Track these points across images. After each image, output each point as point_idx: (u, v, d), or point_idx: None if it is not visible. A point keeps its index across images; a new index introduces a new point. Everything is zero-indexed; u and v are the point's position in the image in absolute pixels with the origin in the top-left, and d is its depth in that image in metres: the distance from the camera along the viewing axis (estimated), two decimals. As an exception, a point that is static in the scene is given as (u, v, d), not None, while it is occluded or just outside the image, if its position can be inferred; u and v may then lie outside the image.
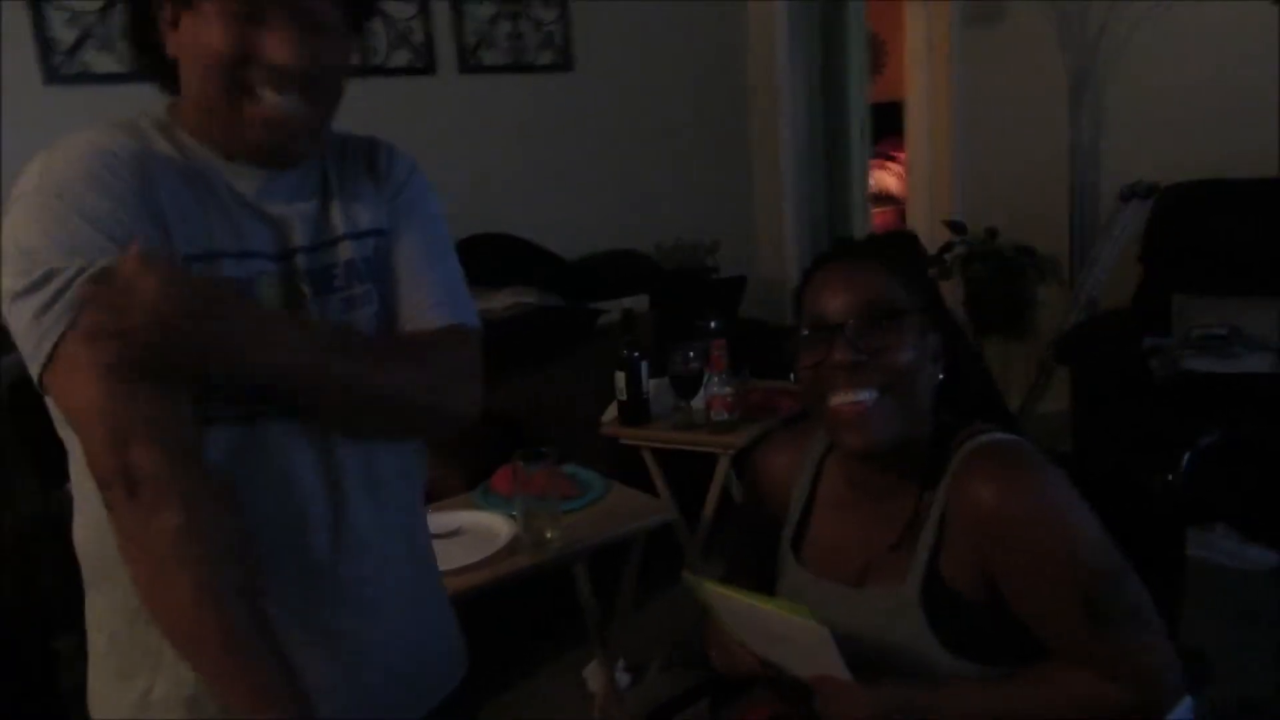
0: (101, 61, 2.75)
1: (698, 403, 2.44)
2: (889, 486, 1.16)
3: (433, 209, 1.09)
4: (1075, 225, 3.82)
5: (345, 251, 1.00)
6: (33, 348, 0.85)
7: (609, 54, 4.00)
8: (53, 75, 2.69)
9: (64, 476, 0.95)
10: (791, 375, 1.17)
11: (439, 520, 1.79)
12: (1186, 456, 1.51)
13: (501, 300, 3.17)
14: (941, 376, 1.15)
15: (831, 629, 1.02)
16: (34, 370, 0.86)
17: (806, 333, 1.13)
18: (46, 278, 0.84)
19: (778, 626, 1.08)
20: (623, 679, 2.44)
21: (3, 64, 2.61)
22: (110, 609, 0.96)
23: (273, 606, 0.91)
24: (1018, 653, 1.08)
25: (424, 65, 3.45)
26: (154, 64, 0.95)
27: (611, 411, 2.59)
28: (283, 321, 0.92)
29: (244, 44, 0.89)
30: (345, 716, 0.98)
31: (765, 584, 1.27)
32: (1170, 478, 1.42)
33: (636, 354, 2.48)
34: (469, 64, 3.58)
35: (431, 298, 1.03)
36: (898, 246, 1.25)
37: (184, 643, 0.85)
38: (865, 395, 1.08)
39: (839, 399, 1.09)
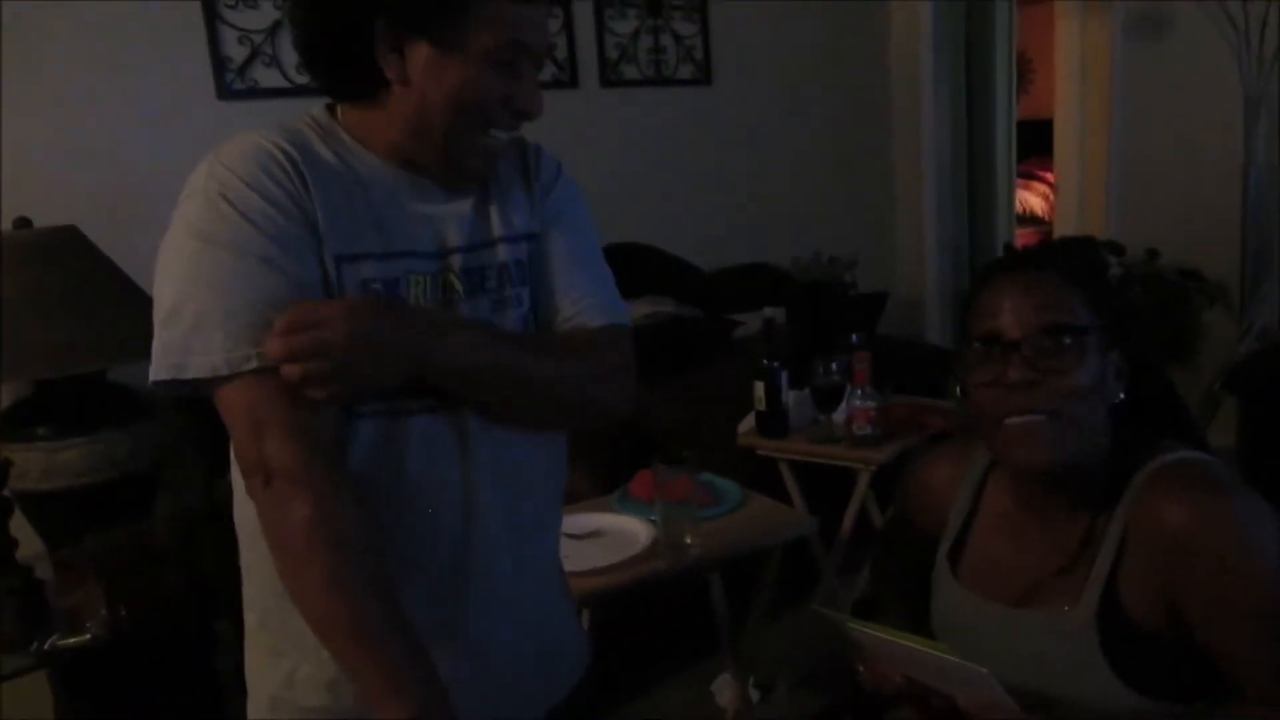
0: (269, 77, 2.91)
1: (838, 416, 2.39)
2: (1060, 506, 1.09)
3: (581, 210, 1.12)
4: (1248, 248, 3.57)
5: (500, 254, 1.03)
6: (205, 358, 0.87)
7: (749, 68, 4.00)
8: (225, 91, 2.86)
9: (228, 465, 0.99)
10: (957, 390, 1.11)
11: (578, 522, 1.80)
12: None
13: (639, 309, 3.18)
14: (1123, 395, 1.07)
15: (987, 651, 0.96)
16: (190, 373, 0.88)
17: (978, 348, 1.07)
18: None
19: (930, 663, 1.03)
20: (753, 694, 2.39)
21: (182, 79, 2.79)
22: (262, 589, 0.99)
23: (414, 599, 0.92)
24: (1197, 687, 1.00)
25: (567, 79, 3.51)
26: (344, 78, 0.98)
27: (749, 422, 2.56)
28: (461, 325, 0.97)
29: (505, 90, 0.95)
30: (472, 713, 0.98)
31: (915, 601, 1.22)
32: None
33: (777, 364, 2.45)
34: (610, 78, 3.63)
35: (586, 299, 1.06)
36: (1078, 254, 1.16)
37: (317, 629, 0.88)
38: (1040, 418, 1.02)
39: (1013, 421, 1.03)
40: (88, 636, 1.79)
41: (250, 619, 1.03)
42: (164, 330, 0.88)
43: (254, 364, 0.86)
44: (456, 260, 1.00)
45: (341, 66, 0.97)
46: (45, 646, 1.77)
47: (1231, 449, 3.22)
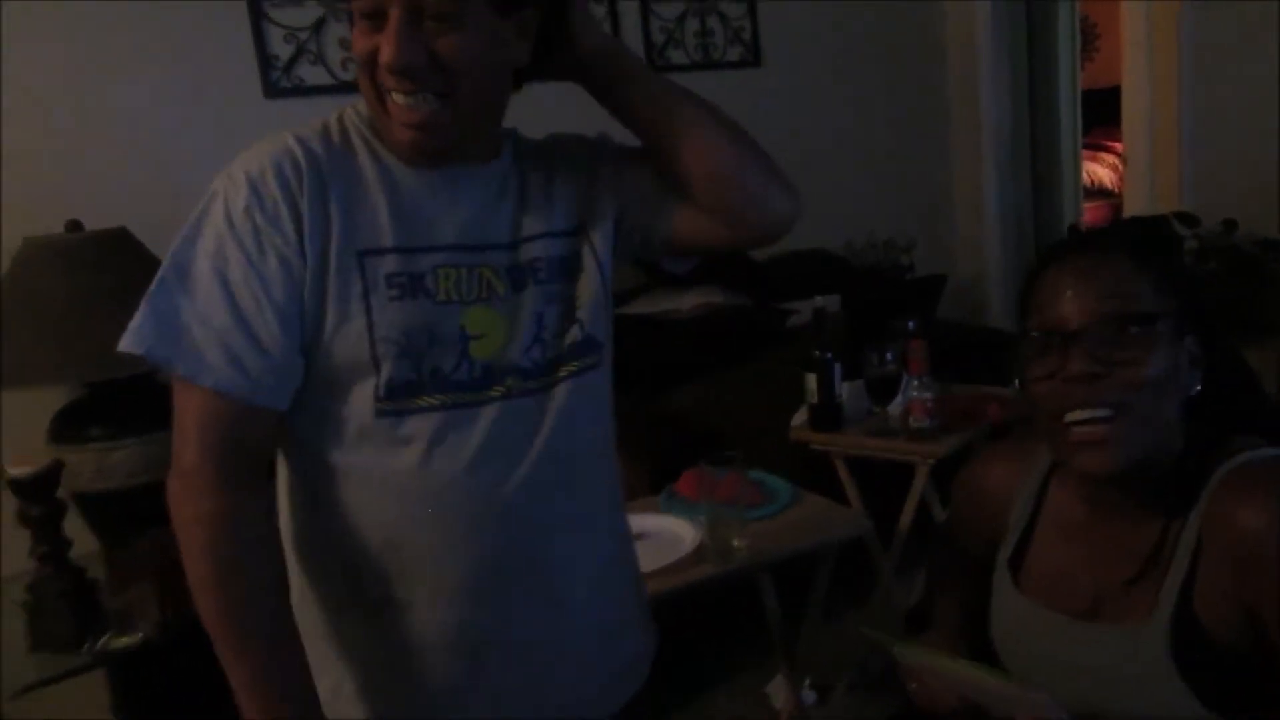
0: (314, 75, 2.92)
1: (894, 408, 2.33)
2: (1129, 510, 1.02)
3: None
4: (1332, 216, 3.40)
5: (544, 248, 1.03)
6: (169, 346, 0.90)
7: (798, 48, 3.93)
8: (271, 89, 2.87)
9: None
10: (1015, 383, 1.04)
11: (637, 523, 1.77)
12: None
13: (689, 300, 3.14)
14: (1199, 387, 0.99)
15: (1052, 664, 0.90)
16: (157, 350, 0.91)
17: (1037, 338, 1.00)
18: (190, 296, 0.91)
19: (984, 686, 0.98)
20: (808, 697, 2.34)
21: (229, 78, 2.81)
22: (302, 603, 1.00)
23: (460, 600, 0.95)
24: (1277, 704, 0.93)
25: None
26: None
27: (801, 415, 2.51)
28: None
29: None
30: (532, 712, 1.00)
31: (974, 610, 1.16)
32: None
33: (829, 355, 2.39)
34: (657, 62, 3.58)
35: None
36: (1147, 235, 1.08)
37: (203, 618, 0.91)
38: (1104, 413, 0.95)
39: (1075, 416, 0.96)
40: (139, 637, 1.81)
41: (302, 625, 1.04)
42: (147, 302, 0.91)
43: (204, 382, 0.89)
44: (498, 257, 1.00)
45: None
46: (98, 647, 1.79)
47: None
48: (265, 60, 2.85)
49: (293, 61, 2.89)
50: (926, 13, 4.36)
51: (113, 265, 2.17)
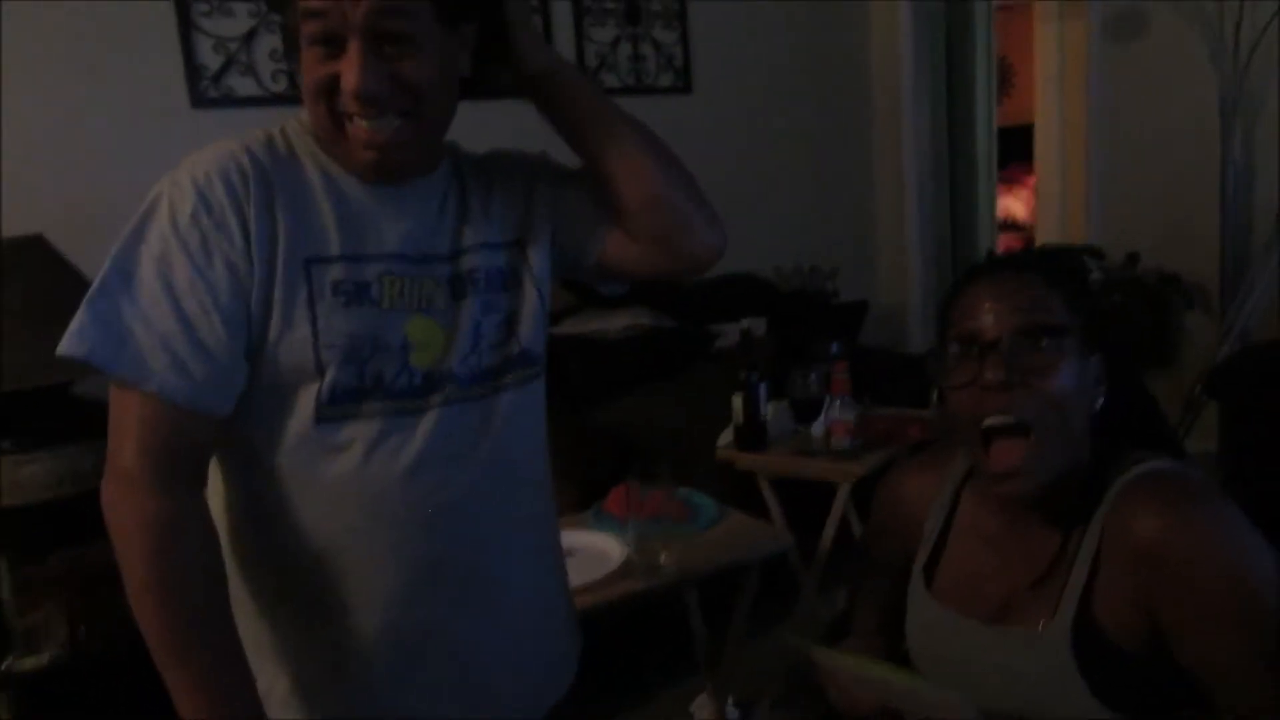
0: (244, 85, 2.88)
1: (817, 428, 2.37)
2: (1036, 519, 1.07)
3: (520, 151, 1.14)
4: (1226, 251, 3.58)
5: (484, 259, 1.04)
6: (112, 349, 0.89)
7: (729, 76, 4.00)
8: (199, 99, 2.83)
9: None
10: (934, 393, 1.09)
11: (569, 540, 1.77)
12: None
13: (618, 320, 3.16)
14: (1102, 401, 1.05)
15: (963, 668, 0.94)
16: (98, 353, 0.89)
17: (956, 349, 1.05)
18: (133, 302, 0.90)
19: (902, 690, 1.01)
20: (732, 714, 2.36)
21: (155, 87, 2.76)
22: (233, 601, 0.99)
23: (396, 601, 0.96)
24: (1175, 705, 0.98)
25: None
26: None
27: (727, 435, 2.54)
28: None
29: (331, 73, 0.93)
30: (466, 712, 1.01)
31: (892, 616, 1.20)
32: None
33: (755, 376, 2.43)
34: (590, 86, 3.61)
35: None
36: (1057, 259, 1.16)
37: (139, 623, 0.90)
38: (1018, 419, 0.99)
39: (991, 421, 1.00)
40: (45, 657, 1.75)
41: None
42: (88, 306, 0.90)
43: (147, 387, 0.88)
44: (439, 268, 1.01)
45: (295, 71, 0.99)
46: (2, 668, 1.73)
47: (1213, 453, 3.22)
48: (193, 70, 2.81)
49: (222, 72, 2.85)
50: (852, 48, 4.49)
51: (27, 273, 2.11)
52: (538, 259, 1.09)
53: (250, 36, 2.86)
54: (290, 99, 0.86)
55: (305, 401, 0.94)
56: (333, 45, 0.91)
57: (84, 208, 2.57)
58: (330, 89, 0.92)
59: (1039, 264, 1.07)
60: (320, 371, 0.93)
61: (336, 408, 0.94)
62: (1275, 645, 0.93)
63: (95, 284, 0.90)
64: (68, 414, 2.17)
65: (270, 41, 2.89)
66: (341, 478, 0.95)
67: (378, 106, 0.92)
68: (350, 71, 0.91)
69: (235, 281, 0.91)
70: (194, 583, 0.90)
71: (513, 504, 1.04)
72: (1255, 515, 1.11)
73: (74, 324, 0.89)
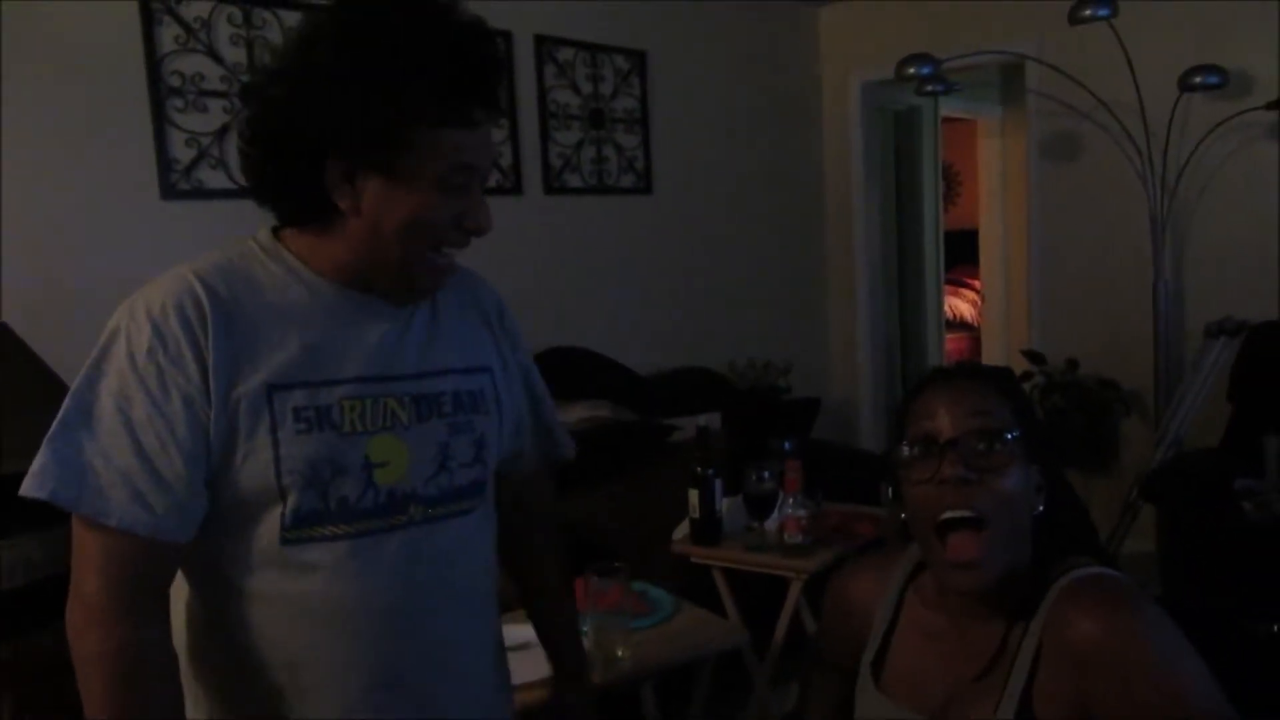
0: (214, 179, 2.93)
1: (771, 524, 2.41)
2: (979, 617, 1.12)
3: (525, 342, 1.21)
4: (1160, 360, 3.73)
5: (454, 383, 1.07)
6: (73, 488, 0.91)
7: (688, 179, 4.15)
8: (169, 191, 2.87)
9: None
10: (889, 493, 1.16)
11: (509, 634, 1.76)
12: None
13: (576, 413, 3.20)
14: (1041, 508, 1.12)
15: None
16: (60, 494, 0.91)
17: (914, 450, 1.11)
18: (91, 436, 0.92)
19: None
20: (685, 810, 2.34)
21: (126, 181, 2.80)
22: (192, 711, 1.01)
23: (355, 711, 0.97)
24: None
25: (511, 186, 3.60)
26: (295, 207, 1.02)
27: (683, 529, 2.56)
28: None
29: (453, 211, 0.99)
30: None
31: (841, 712, 1.23)
32: (1278, 628, 1.35)
33: (711, 471, 2.48)
34: (554, 185, 3.73)
35: (561, 433, 1.27)
36: (1004, 374, 1.24)
37: None
38: (974, 514, 1.06)
39: (949, 515, 1.07)
40: (-8, 753, 1.71)
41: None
42: (48, 445, 0.91)
43: (108, 522, 0.90)
44: (404, 387, 1.02)
45: (292, 196, 1.00)
46: (-56, 763, 1.68)
47: (1151, 554, 3.32)
48: (165, 162, 2.86)
49: (193, 165, 2.90)
50: (806, 153, 4.68)
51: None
52: (505, 395, 1.13)
53: (223, 131, 2.93)
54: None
55: (269, 524, 0.95)
56: (460, 188, 0.98)
57: (51, 296, 2.58)
58: (451, 223, 0.99)
59: (988, 374, 1.16)
60: (282, 496, 0.94)
61: (300, 530, 0.95)
62: None
63: (56, 422, 0.92)
64: (16, 503, 2.13)
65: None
66: (306, 596, 0.96)
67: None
68: (484, 213, 1.01)
69: (193, 415, 0.92)
70: (153, 711, 0.91)
71: (471, 621, 1.07)
72: (1189, 612, 1.17)
73: (35, 464, 0.90)
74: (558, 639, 1.33)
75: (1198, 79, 3.41)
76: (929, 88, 4.00)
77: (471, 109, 0.97)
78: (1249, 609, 1.45)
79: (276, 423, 0.94)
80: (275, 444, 0.94)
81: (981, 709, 1.08)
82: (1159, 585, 3.14)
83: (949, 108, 5.22)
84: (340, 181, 0.96)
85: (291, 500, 0.95)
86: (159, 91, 2.82)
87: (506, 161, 3.58)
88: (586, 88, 3.80)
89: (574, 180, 3.79)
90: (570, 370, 3.40)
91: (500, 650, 1.18)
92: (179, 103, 2.86)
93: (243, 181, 1.04)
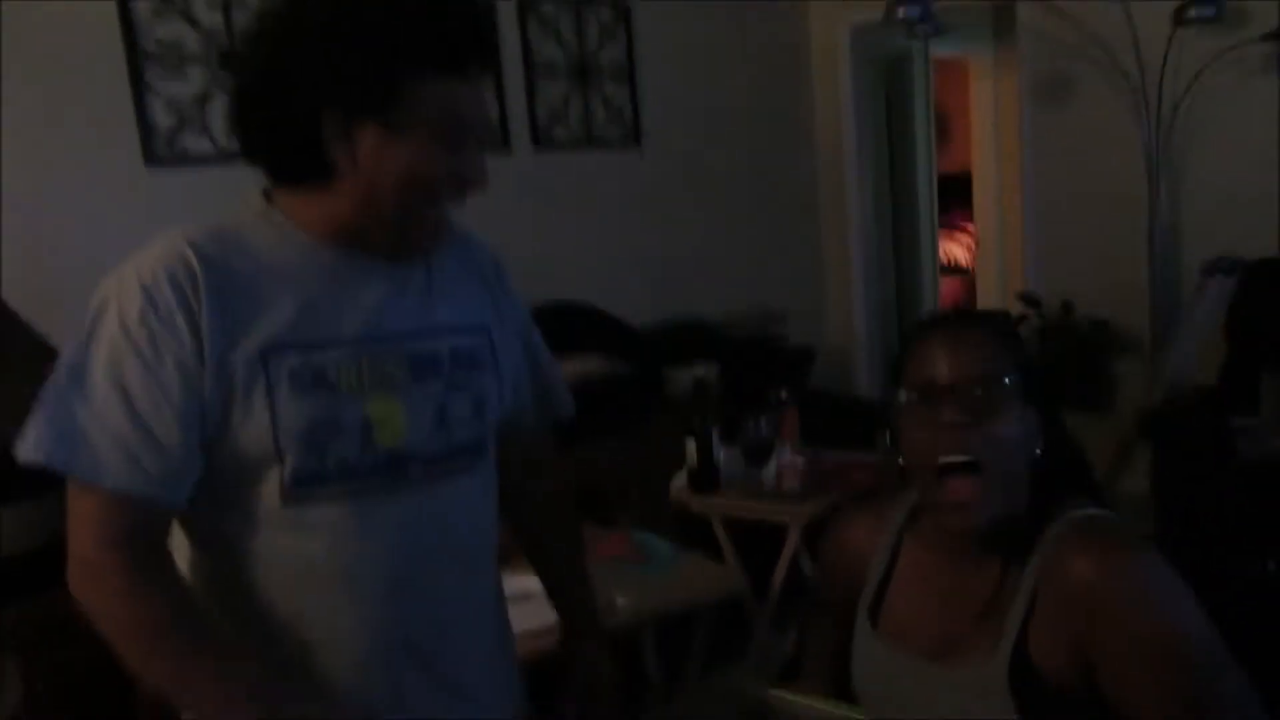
0: (198, 145, 2.90)
1: (769, 472, 2.43)
2: (975, 560, 1.13)
3: (521, 301, 1.21)
4: (1156, 300, 3.73)
5: (451, 341, 1.07)
6: (67, 452, 0.91)
7: (677, 129, 4.11)
8: (153, 158, 2.84)
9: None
10: (887, 439, 1.16)
11: (511, 584, 1.79)
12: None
13: (571, 367, 3.19)
14: (1039, 451, 1.13)
15: (907, 704, 0.99)
16: (55, 456, 0.91)
17: (913, 396, 1.12)
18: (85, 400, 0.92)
19: None
20: (688, 755, 2.38)
21: (108, 149, 2.77)
22: None
23: (361, 672, 0.97)
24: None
25: (499, 141, 3.56)
26: (289, 163, 1.00)
27: (681, 479, 2.58)
28: None
29: (450, 167, 0.98)
30: None
31: (840, 657, 1.25)
32: (1272, 566, 1.36)
33: (708, 422, 2.49)
34: (541, 140, 3.69)
35: (561, 391, 1.27)
36: (1000, 320, 1.25)
37: (155, 682, 0.92)
38: (971, 458, 1.06)
39: (947, 459, 1.08)
40: (4, 715, 1.73)
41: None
42: (41, 410, 0.92)
43: (104, 485, 0.91)
44: (401, 346, 1.02)
45: (287, 153, 0.99)
46: (-42, 725, 1.71)
47: (1146, 494, 3.34)
48: (147, 129, 2.82)
49: (176, 131, 2.87)
50: (797, 100, 4.64)
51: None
52: (503, 353, 1.13)
53: (204, 97, 2.89)
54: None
55: (269, 486, 0.96)
56: (456, 142, 0.98)
57: (38, 267, 2.56)
58: (448, 178, 0.99)
59: (984, 321, 1.16)
60: (280, 458, 0.95)
61: (301, 491, 0.96)
62: (1197, 690, 0.99)
63: (47, 388, 0.92)
64: (17, 469, 2.14)
65: (224, 102, 2.90)
66: (309, 557, 0.97)
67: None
68: (480, 168, 1.01)
69: (186, 378, 0.92)
70: (180, 631, 0.92)
71: (473, 579, 1.08)
72: (1184, 551, 1.18)
73: (29, 429, 0.91)
74: (568, 596, 1.34)
75: (1192, 11, 3.36)
76: (920, 28, 3.94)
77: (466, 59, 0.97)
78: (1242, 548, 1.46)
79: (272, 385, 0.94)
80: (271, 407, 0.94)
81: (978, 650, 1.09)
82: (1154, 524, 3.17)
83: (940, 49, 5.16)
84: (337, 134, 0.95)
85: (290, 462, 0.95)
86: (137, 58, 2.78)
87: (493, 116, 3.54)
88: (571, 40, 3.74)
89: (562, 134, 3.75)
90: (564, 324, 3.39)
91: (502, 605, 1.19)
92: (158, 69, 2.82)
93: (228, 146, 1.03)
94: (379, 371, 1.00)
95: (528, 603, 1.78)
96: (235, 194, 1.07)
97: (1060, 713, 1.04)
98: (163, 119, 2.85)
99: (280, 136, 0.98)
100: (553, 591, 1.34)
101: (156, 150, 2.84)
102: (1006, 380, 1.09)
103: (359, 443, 0.98)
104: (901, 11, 3.61)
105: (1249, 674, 1.03)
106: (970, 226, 6.05)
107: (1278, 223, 3.50)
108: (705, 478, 2.51)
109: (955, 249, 6.91)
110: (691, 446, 2.50)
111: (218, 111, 2.91)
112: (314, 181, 0.99)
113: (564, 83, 3.74)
